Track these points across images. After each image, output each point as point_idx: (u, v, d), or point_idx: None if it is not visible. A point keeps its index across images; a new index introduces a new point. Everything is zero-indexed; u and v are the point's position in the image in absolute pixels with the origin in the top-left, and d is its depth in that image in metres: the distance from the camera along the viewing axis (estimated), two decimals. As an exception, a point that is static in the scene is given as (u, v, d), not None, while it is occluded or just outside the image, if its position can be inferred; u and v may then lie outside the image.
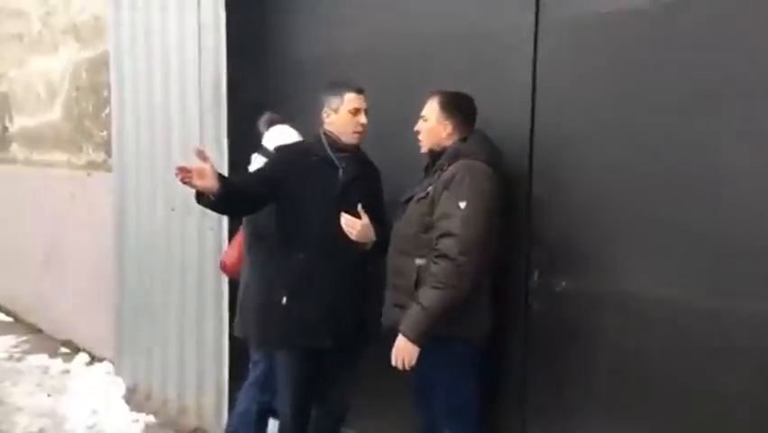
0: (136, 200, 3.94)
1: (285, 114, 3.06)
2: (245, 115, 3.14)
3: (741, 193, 1.96)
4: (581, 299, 2.32)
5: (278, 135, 2.94)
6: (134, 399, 3.98)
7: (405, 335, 2.20)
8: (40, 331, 5.45)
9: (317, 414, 2.74)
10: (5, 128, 6.16)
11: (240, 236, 3.06)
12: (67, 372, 4.55)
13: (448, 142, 2.37)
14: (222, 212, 2.67)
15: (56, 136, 5.31)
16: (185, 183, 2.26)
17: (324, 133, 2.58)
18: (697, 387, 2.05)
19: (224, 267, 3.17)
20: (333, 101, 2.55)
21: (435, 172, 2.33)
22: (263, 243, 2.84)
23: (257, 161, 2.94)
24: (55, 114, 5.31)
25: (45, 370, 4.60)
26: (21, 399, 4.07)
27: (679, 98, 2.08)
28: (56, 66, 5.21)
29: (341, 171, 2.55)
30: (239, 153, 3.19)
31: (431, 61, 2.76)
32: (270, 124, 3.03)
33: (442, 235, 2.19)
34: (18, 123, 5.95)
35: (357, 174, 2.59)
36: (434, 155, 2.41)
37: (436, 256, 2.18)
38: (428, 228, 2.27)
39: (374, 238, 2.50)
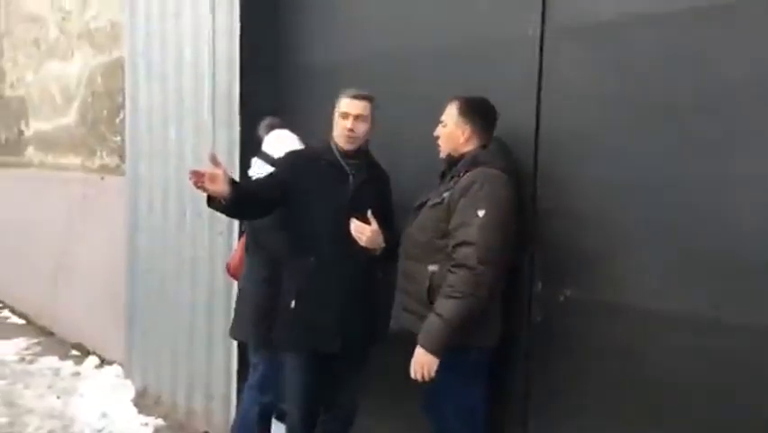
0: (148, 204, 3.98)
1: (298, 121, 3.08)
2: (258, 122, 3.16)
3: (752, 203, 1.94)
4: (585, 309, 2.30)
5: (278, 140, 2.95)
6: (143, 402, 4.00)
7: (423, 346, 2.17)
8: (51, 334, 5.49)
9: (325, 417, 2.75)
10: (21, 132, 6.24)
11: (243, 239, 3.08)
12: (77, 374, 4.59)
13: (466, 148, 2.35)
14: (232, 216, 2.70)
15: (71, 140, 5.37)
16: (198, 187, 2.29)
17: (333, 139, 2.61)
18: (700, 399, 2.03)
19: (228, 270, 3.20)
20: (335, 106, 2.59)
21: (452, 178, 2.31)
22: (262, 249, 2.86)
23: (257, 166, 2.95)
24: (70, 118, 5.37)
25: (56, 372, 4.64)
26: (32, 400, 4.10)
27: (686, 103, 2.06)
28: (72, 71, 5.28)
29: (351, 177, 2.57)
30: (251, 159, 3.21)
31: (441, 67, 2.76)
32: (270, 128, 3.04)
33: (459, 244, 2.17)
34: (34, 127, 6.02)
35: (367, 179, 2.61)
36: (452, 161, 2.39)
37: (454, 265, 2.15)
38: (443, 235, 2.25)
39: (383, 244, 2.51)
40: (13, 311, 6.15)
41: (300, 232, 2.59)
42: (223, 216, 3.22)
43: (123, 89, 4.22)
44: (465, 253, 2.14)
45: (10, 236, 6.20)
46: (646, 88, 2.16)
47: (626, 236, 2.21)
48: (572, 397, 2.36)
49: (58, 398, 4.15)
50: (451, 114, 2.38)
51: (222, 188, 2.29)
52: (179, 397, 3.78)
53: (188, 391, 3.72)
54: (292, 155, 2.71)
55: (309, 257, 2.54)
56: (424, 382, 2.21)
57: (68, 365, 4.74)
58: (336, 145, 2.60)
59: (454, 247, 2.18)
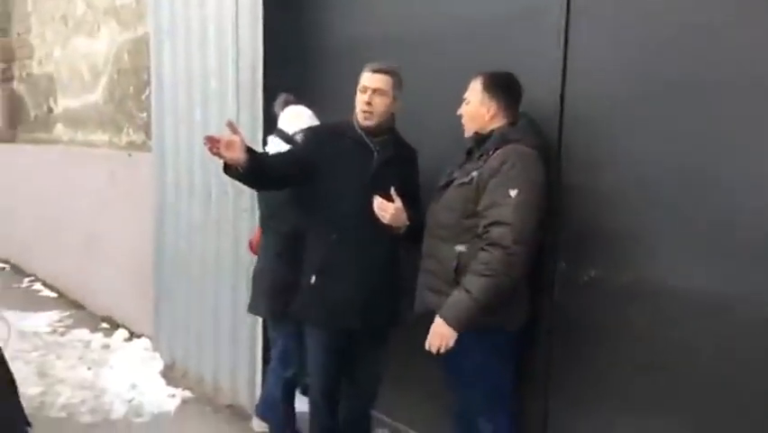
0: (175, 181, 4.01)
1: (321, 97, 3.06)
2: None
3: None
4: (609, 290, 2.27)
5: (295, 116, 2.93)
6: (171, 375, 4.07)
7: (445, 319, 2.15)
8: (82, 307, 5.61)
9: (348, 393, 2.77)
10: (50, 109, 6.32)
11: None
12: (107, 346, 4.69)
13: (493, 125, 2.29)
14: (250, 185, 2.64)
15: (99, 117, 5.43)
16: (213, 154, 2.27)
17: (355, 116, 2.57)
18: (727, 382, 2.00)
19: (251, 247, 3.23)
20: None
21: (480, 157, 2.26)
22: (274, 224, 2.89)
23: (273, 144, 2.95)
24: (98, 95, 5.42)
25: (86, 344, 4.74)
26: (63, 371, 4.21)
27: (716, 81, 2.00)
28: (99, 48, 5.31)
29: (375, 154, 2.54)
30: (267, 138, 3.21)
31: (464, 44, 2.72)
32: (286, 104, 3.02)
33: (492, 224, 2.13)
34: (62, 104, 6.09)
35: (392, 157, 2.58)
36: (479, 139, 2.32)
37: (488, 244, 2.12)
38: (472, 215, 2.22)
39: (407, 222, 2.49)
40: (45, 285, 6.30)
41: (323, 208, 2.57)
42: (247, 192, 3.25)
43: (148, 67, 4.24)
44: (500, 232, 2.10)
45: (42, 212, 6.32)
46: (673, 62, 2.09)
47: (652, 215, 2.16)
48: (593, 377, 2.34)
49: (89, 369, 4.25)
50: (475, 90, 2.33)
51: (238, 155, 2.26)
52: (206, 372, 3.84)
53: (214, 366, 3.78)
54: (317, 132, 2.69)
55: (331, 233, 2.53)
56: (438, 354, 2.17)
57: (98, 338, 4.84)
58: (357, 122, 2.56)
59: (486, 227, 2.15)
